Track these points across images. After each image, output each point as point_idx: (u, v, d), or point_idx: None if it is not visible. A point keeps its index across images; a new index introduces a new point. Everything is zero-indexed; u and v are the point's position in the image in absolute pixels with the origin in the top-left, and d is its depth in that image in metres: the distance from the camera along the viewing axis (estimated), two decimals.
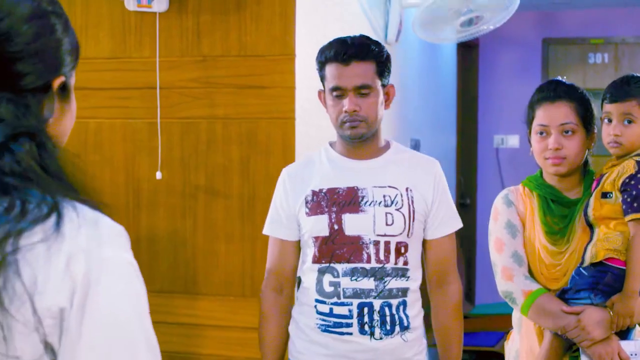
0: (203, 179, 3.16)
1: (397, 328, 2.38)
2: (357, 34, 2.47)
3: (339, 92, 2.39)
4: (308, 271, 2.45)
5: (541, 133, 2.40)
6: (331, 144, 2.54)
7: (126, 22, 3.22)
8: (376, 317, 2.36)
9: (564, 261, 2.37)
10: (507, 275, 2.41)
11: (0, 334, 0.99)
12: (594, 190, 2.33)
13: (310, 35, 3.16)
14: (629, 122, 2.31)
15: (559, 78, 2.49)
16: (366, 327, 2.36)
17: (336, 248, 2.39)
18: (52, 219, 1.02)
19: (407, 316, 2.40)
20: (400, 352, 2.39)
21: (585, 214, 2.32)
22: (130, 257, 1.08)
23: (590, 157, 2.47)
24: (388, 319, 2.37)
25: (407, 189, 2.43)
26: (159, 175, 3.16)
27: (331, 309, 2.39)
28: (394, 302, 2.38)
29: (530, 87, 2.74)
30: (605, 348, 2.25)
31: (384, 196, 2.41)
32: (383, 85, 2.43)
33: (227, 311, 3.14)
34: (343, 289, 2.38)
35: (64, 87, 1.16)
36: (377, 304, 2.37)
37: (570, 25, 6.70)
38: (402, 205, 2.41)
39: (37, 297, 1.00)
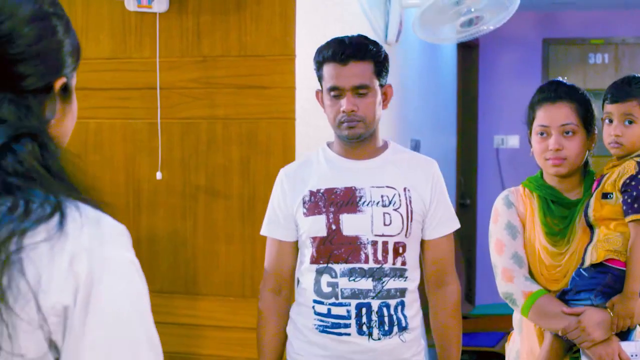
0: (203, 179, 3.16)
1: (395, 328, 2.38)
2: (355, 33, 2.47)
3: (337, 92, 2.38)
4: (306, 272, 2.44)
5: (542, 134, 2.40)
6: (329, 144, 2.53)
7: (126, 22, 3.22)
8: (374, 317, 2.36)
9: (564, 262, 2.37)
10: (507, 276, 2.40)
11: (5, 332, 1.00)
12: (594, 190, 2.33)
13: (311, 35, 3.15)
14: (630, 122, 2.31)
15: (560, 79, 2.49)
16: (364, 328, 2.36)
17: (334, 248, 2.38)
18: (55, 218, 1.03)
19: (405, 316, 2.39)
20: (399, 353, 2.39)
21: (586, 215, 2.32)
22: (132, 255, 1.09)
23: (590, 158, 2.47)
24: (386, 319, 2.37)
25: (405, 189, 2.42)
26: (159, 175, 3.15)
27: (329, 310, 2.38)
28: (392, 302, 2.38)
29: (530, 88, 2.75)
30: (605, 349, 2.25)
31: (382, 196, 2.40)
32: (381, 85, 2.43)
33: (227, 311, 3.14)
34: (341, 289, 2.37)
35: (66, 88, 1.16)
36: (375, 304, 2.36)
37: (570, 26, 6.70)
38: (400, 205, 2.40)
39: (42, 295, 1.01)
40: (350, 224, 2.38)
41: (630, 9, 6.44)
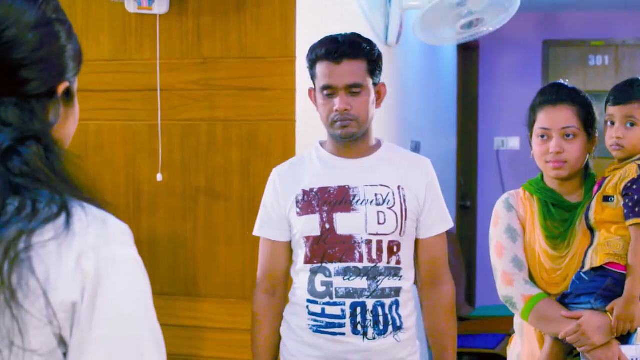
0: (203, 181, 3.16)
1: (390, 328, 2.36)
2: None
3: (330, 90, 2.37)
4: (300, 272, 2.43)
5: (542, 136, 2.39)
6: (321, 143, 2.52)
7: (127, 24, 3.22)
8: (369, 317, 2.34)
9: (564, 266, 2.36)
10: (507, 280, 2.40)
11: (16, 327, 1.03)
12: (595, 193, 2.33)
13: (311, 37, 3.14)
14: (632, 125, 2.31)
15: (561, 81, 2.49)
16: (359, 327, 2.34)
17: (328, 248, 2.37)
18: (62, 217, 1.07)
19: (399, 316, 2.38)
20: (394, 353, 2.38)
21: (587, 218, 2.32)
22: (136, 253, 1.13)
23: (591, 161, 2.47)
24: (381, 318, 2.35)
25: (399, 188, 2.41)
26: (159, 177, 3.15)
27: (323, 309, 2.37)
28: (387, 301, 2.36)
29: (530, 89, 2.75)
30: (605, 353, 2.24)
31: (376, 195, 2.39)
32: (374, 84, 2.41)
33: (227, 313, 3.13)
34: (335, 288, 2.36)
35: (68, 92, 1.19)
36: (370, 303, 2.35)
37: (570, 27, 6.69)
38: (394, 203, 2.39)
39: (51, 292, 1.04)
40: (344, 223, 2.37)
41: (631, 10, 6.44)
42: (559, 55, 6.78)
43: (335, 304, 2.36)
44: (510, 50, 6.75)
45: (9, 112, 1.10)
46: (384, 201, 2.38)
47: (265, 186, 2.54)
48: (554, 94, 2.40)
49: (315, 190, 2.41)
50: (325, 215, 2.37)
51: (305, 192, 2.41)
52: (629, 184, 2.24)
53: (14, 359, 1.04)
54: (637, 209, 2.20)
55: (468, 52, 6.62)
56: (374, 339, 2.35)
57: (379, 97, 2.45)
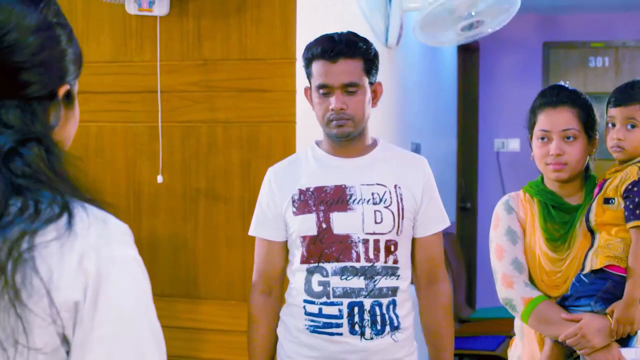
0: (204, 182, 3.16)
1: (388, 328, 2.36)
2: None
3: (326, 89, 2.36)
4: (296, 272, 2.42)
5: (543, 138, 2.39)
6: (317, 143, 2.51)
7: (127, 25, 3.22)
8: (366, 316, 2.34)
9: (564, 268, 2.36)
10: (507, 282, 2.40)
11: (20, 326, 1.05)
12: (596, 195, 2.33)
13: (311, 38, 3.15)
14: (632, 126, 2.31)
15: (562, 83, 2.48)
16: (356, 327, 2.34)
17: (325, 247, 2.36)
18: (64, 218, 1.08)
19: (397, 316, 2.38)
20: (391, 353, 2.37)
21: (587, 220, 2.31)
22: (136, 253, 1.15)
23: (592, 163, 2.46)
24: (378, 318, 2.35)
25: (395, 187, 2.40)
26: (159, 178, 3.15)
27: (320, 309, 2.36)
28: (384, 301, 2.35)
29: (530, 91, 2.75)
30: (605, 356, 2.24)
31: (373, 194, 2.38)
32: (371, 83, 2.40)
33: (228, 315, 3.13)
34: (333, 288, 2.35)
35: (69, 95, 1.20)
36: (367, 303, 2.34)
37: (570, 29, 6.69)
38: (391, 202, 2.38)
39: (54, 291, 1.06)
40: (340, 223, 2.36)
41: (631, 11, 6.44)
42: (559, 57, 6.78)
43: (332, 303, 2.35)
44: (511, 52, 6.75)
45: (10, 114, 1.12)
46: (380, 200, 2.38)
47: None
48: (554, 96, 2.40)
49: (311, 189, 2.40)
50: (321, 214, 2.36)
51: (301, 192, 2.41)
52: (630, 186, 2.23)
53: (19, 357, 1.06)
54: (637, 212, 2.19)
55: (468, 54, 6.62)
56: (372, 339, 2.34)
57: (375, 96, 2.44)
